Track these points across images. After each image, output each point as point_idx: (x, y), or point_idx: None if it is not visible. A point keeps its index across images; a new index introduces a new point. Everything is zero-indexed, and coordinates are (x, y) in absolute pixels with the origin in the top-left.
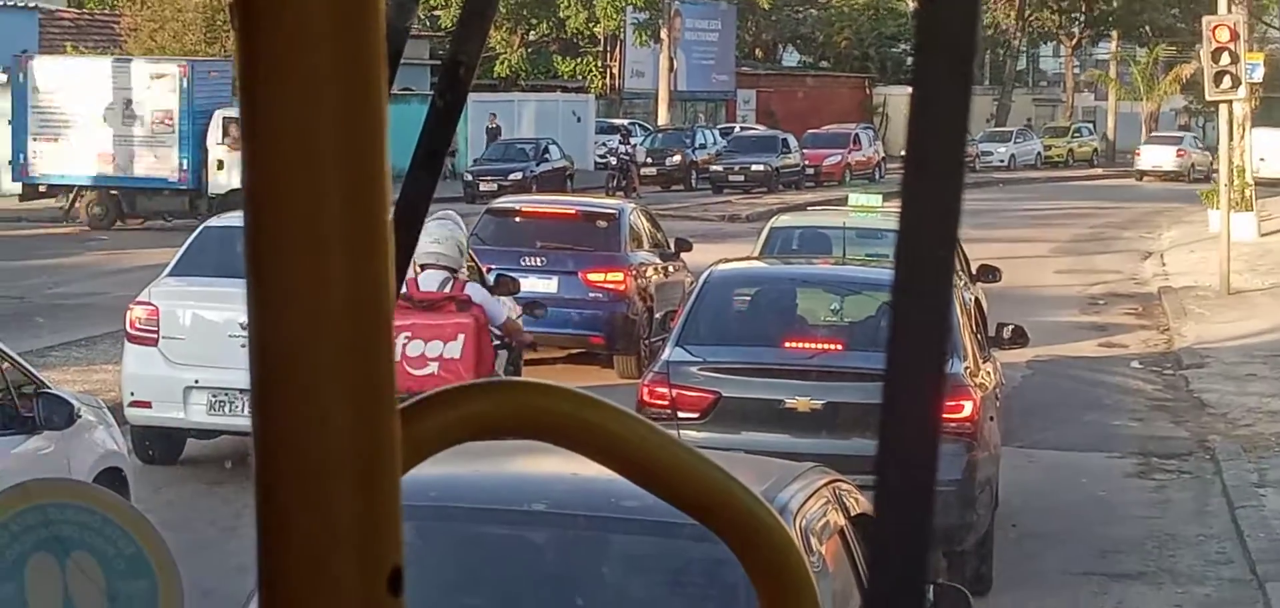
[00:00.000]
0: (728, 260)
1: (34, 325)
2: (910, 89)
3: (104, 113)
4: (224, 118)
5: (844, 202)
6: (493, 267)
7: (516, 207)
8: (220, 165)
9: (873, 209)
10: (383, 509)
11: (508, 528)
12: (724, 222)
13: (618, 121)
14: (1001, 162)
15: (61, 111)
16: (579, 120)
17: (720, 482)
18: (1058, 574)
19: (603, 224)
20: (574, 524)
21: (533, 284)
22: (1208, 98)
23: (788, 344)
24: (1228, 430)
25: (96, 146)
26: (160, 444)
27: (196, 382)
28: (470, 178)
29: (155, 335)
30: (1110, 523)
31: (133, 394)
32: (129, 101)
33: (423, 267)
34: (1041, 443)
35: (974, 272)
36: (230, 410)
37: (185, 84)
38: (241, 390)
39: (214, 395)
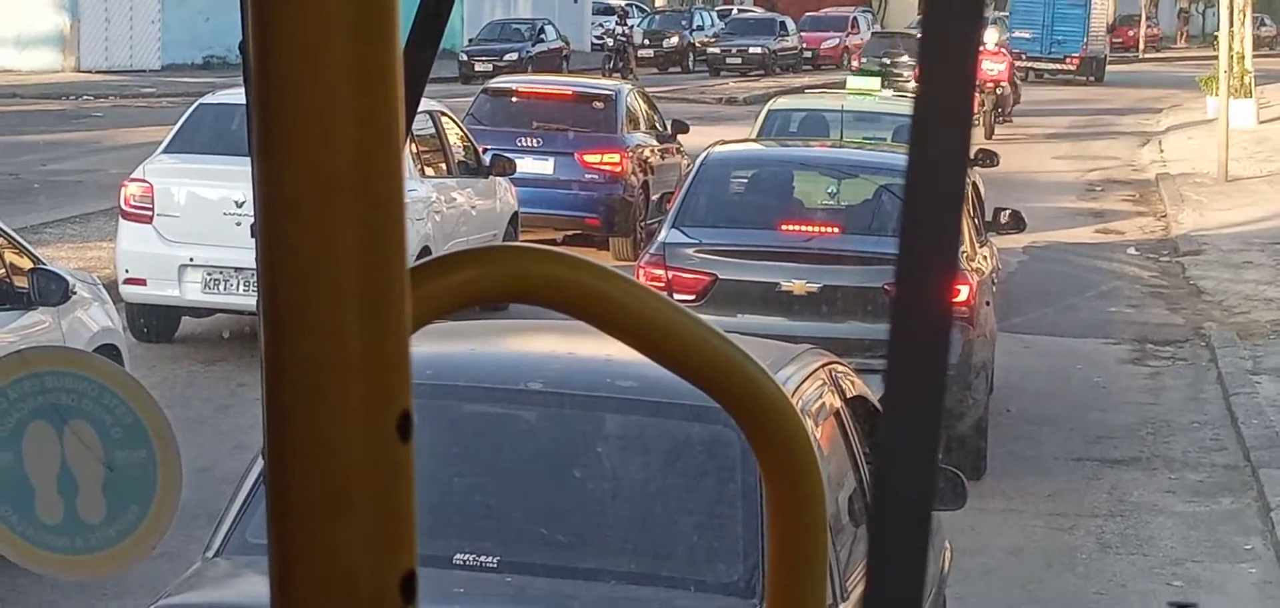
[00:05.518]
0: (725, 142)
1: (28, 201)
2: None
3: None
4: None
5: (842, 85)
6: (489, 147)
7: (513, 87)
8: None
9: (871, 92)
10: (392, 350)
11: (503, 407)
12: (721, 104)
13: (614, 2)
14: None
15: None
16: (576, 1)
17: (725, 350)
18: (1052, 459)
19: (599, 105)
20: (570, 403)
21: (529, 165)
22: None
23: (784, 227)
24: (1223, 318)
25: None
26: (155, 322)
27: (191, 260)
28: (465, 57)
29: (150, 213)
30: (1105, 409)
31: (127, 271)
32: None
33: None
34: (1037, 328)
35: (971, 155)
36: (225, 289)
37: None
38: (237, 268)
39: (209, 273)
